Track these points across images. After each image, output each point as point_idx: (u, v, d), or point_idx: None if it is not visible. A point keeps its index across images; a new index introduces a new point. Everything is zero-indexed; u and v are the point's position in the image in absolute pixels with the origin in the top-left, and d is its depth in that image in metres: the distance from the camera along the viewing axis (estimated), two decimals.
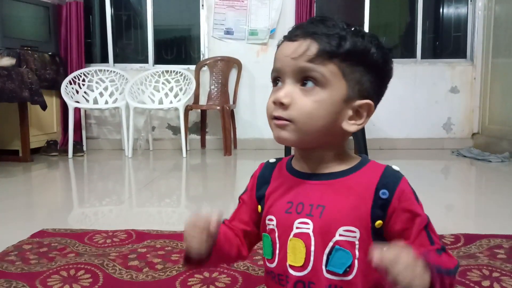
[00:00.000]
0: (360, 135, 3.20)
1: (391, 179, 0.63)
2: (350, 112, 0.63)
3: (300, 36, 0.62)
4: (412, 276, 0.51)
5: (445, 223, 1.69)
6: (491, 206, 2.04)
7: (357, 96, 0.63)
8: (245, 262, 1.22)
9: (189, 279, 1.13)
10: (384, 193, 0.61)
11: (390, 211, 0.61)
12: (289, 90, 0.62)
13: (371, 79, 0.64)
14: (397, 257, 0.51)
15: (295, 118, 0.61)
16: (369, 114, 0.65)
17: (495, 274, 1.15)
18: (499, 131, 3.69)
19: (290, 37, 0.63)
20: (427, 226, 0.62)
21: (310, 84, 0.61)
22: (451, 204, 2.11)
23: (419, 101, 4.07)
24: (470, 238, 1.43)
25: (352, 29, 0.63)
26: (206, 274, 1.16)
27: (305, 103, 0.61)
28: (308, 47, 0.60)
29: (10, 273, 1.18)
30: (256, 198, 0.73)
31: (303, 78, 0.61)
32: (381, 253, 0.52)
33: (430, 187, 2.44)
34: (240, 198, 0.76)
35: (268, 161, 0.75)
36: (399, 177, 0.63)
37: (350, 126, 0.64)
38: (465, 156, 3.53)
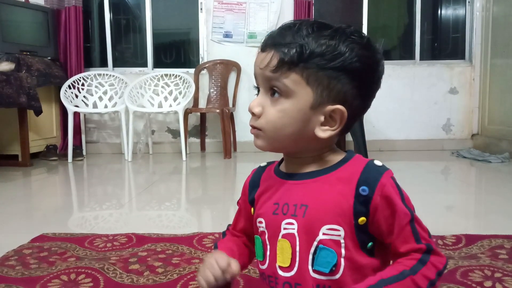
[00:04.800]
0: (359, 136, 3.20)
1: (372, 175, 0.62)
2: (321, 118, 0.63)
3: (267, 46, 0.64)
4: None
5: (446, 224, 1.68)
6: (492, 206, 2.04)
7: (328, 101, 0.62)
8: None
9: (190, 283, 1.13)
10: (364, 190, 0.61)
11: (372, 208, 0.61)
12: (261, 100, 0.65)
13: (348, 83, 0.61)
14: None
15: (264, 127, 0.65)
16: (342, 119, 0.63)
17: (497, 275, 1.14)
18: (499, 132, 3.69)
19: (261, 47, 0.65)
20: (412, 221, 0.61)
21: (276, 94, 0.63)
22: (451, 205, 2.11)
23: (418, 102, 4.07)
24: (472, 239, 1.43)
25: (324, 33, 0.61)
26: None
27: (272, 113, 0.64)
28: (271, 58, 0.62)
29: (10, 278, 1.17)
30: (248, 202, 0.75)
31: (270, 88, 0.64)
32: None
33: (430, 188, 2.44)
34: (237, 203, 0.80)
35: (259, 165, 0.78)
36: (381, 172, 0.62)
37: (323, 132, 0.63)
38: (465, 157, 3.53)
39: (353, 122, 0.66)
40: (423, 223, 0.63)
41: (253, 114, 0.65)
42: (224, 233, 0.83)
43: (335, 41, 0.60)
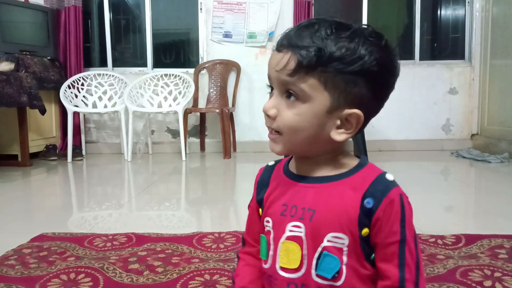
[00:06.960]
0: (359, 137, 3.20)
1: (380, 189, 0.61)
2: (337, 122, 0.62)
3: (284, 47, 0.61)
4: None
5: (445, 224, 1.69)
6: (492, 206, 2.04)
7: (344, 105, 0.61)
8: None
9: (190, 282, 1.13)
10: (368, 202, 0.60)
11: (374, 221, 0.60)
12: (276, 102, 0.63)
13: (365, 86, 0.60)
14: None
15: (281, 129, 0.63)
16: (359, 123, 0.62)
17: (496, 274, 1.14)
18: (498, 132, 3.69)
19: (277, 46, 0.63)
20: (402, 243, 0.59)
21: (292, 97, 0.61)
22: (451, 205, 2.11)
23: (418, 103, 4.07)
24: (471, 239, 1.43)
25: (342, 34, 0.59)
26: (207, 276, 1.16)
27: (288, 116, 0.62)
28: (288, 61, 0.60)
29: (10, 277, 1.17)
30: (256, 201, 0.74)
31: (286, 90, 0.62)
32: None
33: (430, 188, 2.44)
34: (248, 207, 0.77)
35: (267, 164, 0.76)
36: (390, 187, 0.61)
37: (339, 135, 0.62)
38: (464, 157, 3.53)
39: (366, 123, 0.65)
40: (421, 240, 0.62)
41: (268, 116, 0.64)
42: (237, 256, 0.79)
43: (354, 44, 0.58)
